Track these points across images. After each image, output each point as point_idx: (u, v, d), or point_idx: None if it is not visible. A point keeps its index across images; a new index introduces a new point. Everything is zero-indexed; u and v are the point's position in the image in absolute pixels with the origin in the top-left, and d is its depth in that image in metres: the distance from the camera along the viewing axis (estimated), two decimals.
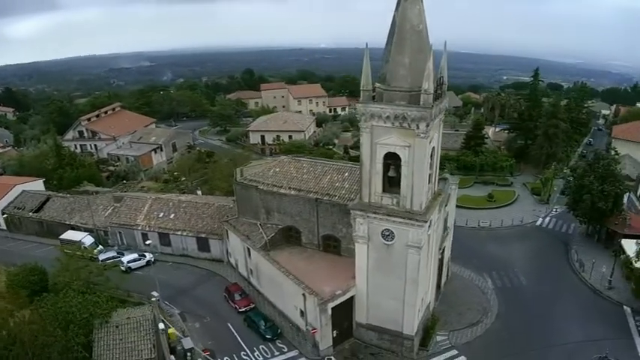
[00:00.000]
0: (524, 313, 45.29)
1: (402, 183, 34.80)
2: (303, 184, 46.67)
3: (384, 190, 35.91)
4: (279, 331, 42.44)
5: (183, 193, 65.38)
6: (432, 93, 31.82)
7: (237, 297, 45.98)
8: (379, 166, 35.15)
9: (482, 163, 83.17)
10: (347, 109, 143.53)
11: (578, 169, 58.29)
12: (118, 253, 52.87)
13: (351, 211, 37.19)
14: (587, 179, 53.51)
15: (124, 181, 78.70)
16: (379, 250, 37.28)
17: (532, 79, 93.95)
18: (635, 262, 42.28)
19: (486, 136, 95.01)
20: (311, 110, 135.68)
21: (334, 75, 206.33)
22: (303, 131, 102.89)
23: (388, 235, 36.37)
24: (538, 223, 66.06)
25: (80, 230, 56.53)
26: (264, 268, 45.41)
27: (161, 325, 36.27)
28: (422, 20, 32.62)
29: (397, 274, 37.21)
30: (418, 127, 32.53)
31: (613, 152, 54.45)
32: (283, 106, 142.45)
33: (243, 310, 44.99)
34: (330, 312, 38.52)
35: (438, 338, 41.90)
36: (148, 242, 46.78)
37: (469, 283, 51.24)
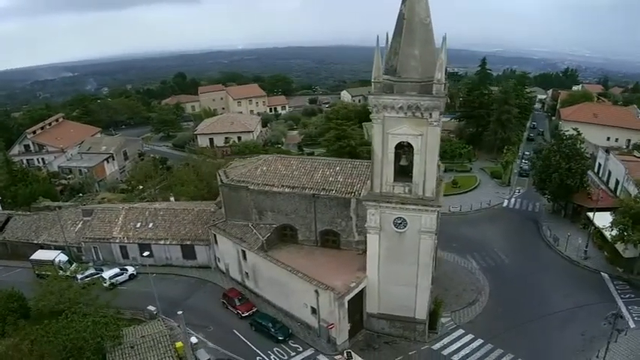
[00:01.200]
0: (513, 288, 50.75)
1: (414, 171, 38.12)
2: (296, 180, 48.77)
3: (395, 180, 39.14)
4: (289, 331, 44.29)
5: (146, 201, 64.69)
6: (444, 83, 35.53)
7: (237, 302, 47.08)
8: (391, 156, 38.21)
9: (441, 151, 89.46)
10: (287, 107, 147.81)
11: (543, 150, 65.50)
12: (96, 270, 51.64)
13: (364, 203, 40.03)
14: (554, 159, 60.63)
15: (80, 195, 75.96)
16: (391, 239, 40.45)
17: (480, 68, 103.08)
18: (611, 231, 49.21)
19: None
20: (251, 110, 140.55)
21: (262, 75, 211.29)
22: (252, 131, 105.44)
23: (400, 223, 39.64)
24: (504, 204, 73.34)
25: (50, 249, 54.09)
26: (265, 269, 46.98)
27: (193, 339, 36.84)
28: (428, 14, 36.11)
29: (410, 260, 40.62)
30: (431, 116, 35.99)
31: (576, 132, 62.05)
32: (223, 108, 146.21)
33: (247, 314, 46.19)
34: (346, 305, 41.20)
35: (443, 320, 46.09)
36: (145, 254, 46.20)
37: (456, 266, 56.22)
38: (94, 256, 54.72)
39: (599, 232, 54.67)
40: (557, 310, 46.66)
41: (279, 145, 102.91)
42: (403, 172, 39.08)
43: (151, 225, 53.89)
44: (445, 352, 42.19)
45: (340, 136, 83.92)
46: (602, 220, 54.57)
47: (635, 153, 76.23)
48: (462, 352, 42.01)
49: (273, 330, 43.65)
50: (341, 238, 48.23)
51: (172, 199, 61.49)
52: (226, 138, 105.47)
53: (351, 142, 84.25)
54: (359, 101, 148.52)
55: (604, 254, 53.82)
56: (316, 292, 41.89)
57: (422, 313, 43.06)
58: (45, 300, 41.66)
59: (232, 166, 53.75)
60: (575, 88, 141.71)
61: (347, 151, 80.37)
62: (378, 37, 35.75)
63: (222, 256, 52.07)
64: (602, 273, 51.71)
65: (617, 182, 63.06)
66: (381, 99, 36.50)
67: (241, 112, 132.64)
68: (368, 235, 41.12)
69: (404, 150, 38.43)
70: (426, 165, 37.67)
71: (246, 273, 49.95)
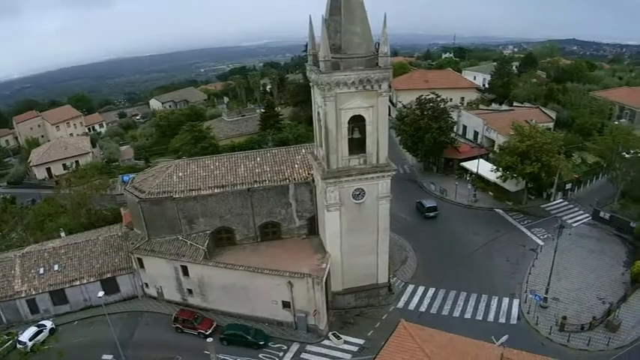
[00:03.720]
0: (431, 240, 60.03)
1: (367, 141, 43.15)
2: (222, 179, 49.37)
3: (350, 153, 43.57)
4: (266, 333, 45.40)
5: (15, 247, 56.48)
6: (389, 56, 41.21)
7: (195, 322, 45.97)
8: (345, 131, 42.46)
9: (294, 136, 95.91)
10: (104, 124, 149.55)
11: (406, 117, 76.31)
12: (7, 336, 43.61)
13: (324, 182, 43.34)
14: (423, 122, 71.97)
15: None
16: (351, 212, 44.92)
17: (305, 51, 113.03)
18: (497, 170, 61.83)
19: (281, 114, 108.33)
20: (71, 134, 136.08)
21: (57, 99, 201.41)
22: (89, 153, 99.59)
23: (359, 195, 44.43)
24: None
25: None
26: (217, 278, 46.85)
27: None
28: None
29: (370, 228, 45.93)
30: (380, 87, 41.42)
31: (435, 95, 74.11)
32: (42, 136, 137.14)
33: (211, 332, 45.55)
34: (324, 288, 44.44)
35: (392, 281, 52.59)
36: (100, 294, 40.28)
37: None
38: None
39: (479, 177, 67.81)
40: (476, 246, 57.40)
41: (116, 163, 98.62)
42: (356, 145, 43.68)
43: (57, 267, 47.91)
44: (411, 308, 48.95)
45: (199, 137, 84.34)
46: (474, 167, 68.11)
47: (481, 106, 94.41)
48: (425, 302, 49.33)
49: (250, 337, 44.25)
50: (282, 227, 50.78)
51: (63, 234, 54.99)
52: (64, 164, 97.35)
53: (212, 141, 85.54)
54: (169, 107, 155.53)
55: (489, 194, 67.14)
56: (289, 283, 44.14)
57: (384, 277, 49.03)
58: None
59: (140, 180, 51.02)
60: None
61: (210, 150, 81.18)
62: (323, 17, 39.71)
63: (153, 279, 49.56)
64: (496, 209, 64.80)
65: (476, 133, 78.18)
66: (334, 76, 40.20)
67: (62, 137, 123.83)
68: (328, 213, 44.68)
69: (355, 124, 43.07)
70: (379, 134, 43.08)
71: (189, 290, 48.78)
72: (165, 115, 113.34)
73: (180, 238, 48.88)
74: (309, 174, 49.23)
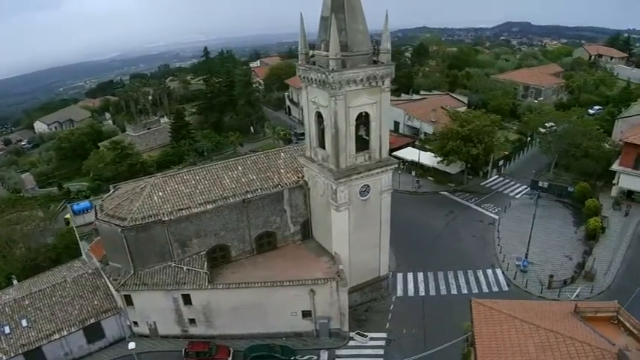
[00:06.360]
0: (395, 228, 58.39)
1: (371, 137, 42.51)
2: (210, 194, 44.91)
3: (356, 151, 42.48)
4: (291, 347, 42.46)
5: None
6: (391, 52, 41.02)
7: (213, 351, 41.17)
8: (353, 129, 41.37)
9: (214, 144, 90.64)
10: None
11: None
12: None
13: (334, 182, 41.51)
14: None
15: None
16: (357, 209, 43.86)
17: (205, 59, 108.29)
18: (437, 155, 64.95)
19: (190, 122, 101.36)
20: None
21: None
22: None
23: (364, 191, 43.67)
24: None
25: None
26: (227, 301, 42.54)
27: None
28: None
29: (373, 222, 45.51)
30: (384, 83, 41.12)
31: None
32: None
33: (231, 357, 41.28)
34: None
35: None
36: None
37: None
38: None
39: (416, 164, 70.74)
40: (439, 228, 59.80)
41: (20, 193, 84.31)
42: (360, 143, 42.70)
43: (25, 322, 38.62)
44: (410, 294, 49.61)
45: (124, 155, 75.49)
46: (407, 155, 71.10)
47: (392, 97, 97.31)
48: (421, 287, 50.39)
49: (279, 355, 41.00)
50: (277, 235, 47.88)
51: (15, 282, 44.48)
52: None
53: (139, 158, 77.56)
54: (55, 128, 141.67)
55: (429, 179, 70.35)
56: (312, 291, 41.90)
57: (385, 268, 49.03)
58: None
59: (113, 206, 43.58)
60: (254, 64, 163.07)
61: (137, 168, 73.52)
62: (331, 15, 38.01)
63: (145, 315, 42.97)
64: (441, 192, 68.04)
65: (397, 123, 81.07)
66: (344, 74, 38.87)
67: None
68: (336, 214, 43.01)
69: (358, 121, 42.05)
70: (382, 129, 42.78)
71: (191, 320, 43.41)
72: (66, 137, 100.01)
73: (173, 264, 43.31)
74: (299, 177, 47.04)
